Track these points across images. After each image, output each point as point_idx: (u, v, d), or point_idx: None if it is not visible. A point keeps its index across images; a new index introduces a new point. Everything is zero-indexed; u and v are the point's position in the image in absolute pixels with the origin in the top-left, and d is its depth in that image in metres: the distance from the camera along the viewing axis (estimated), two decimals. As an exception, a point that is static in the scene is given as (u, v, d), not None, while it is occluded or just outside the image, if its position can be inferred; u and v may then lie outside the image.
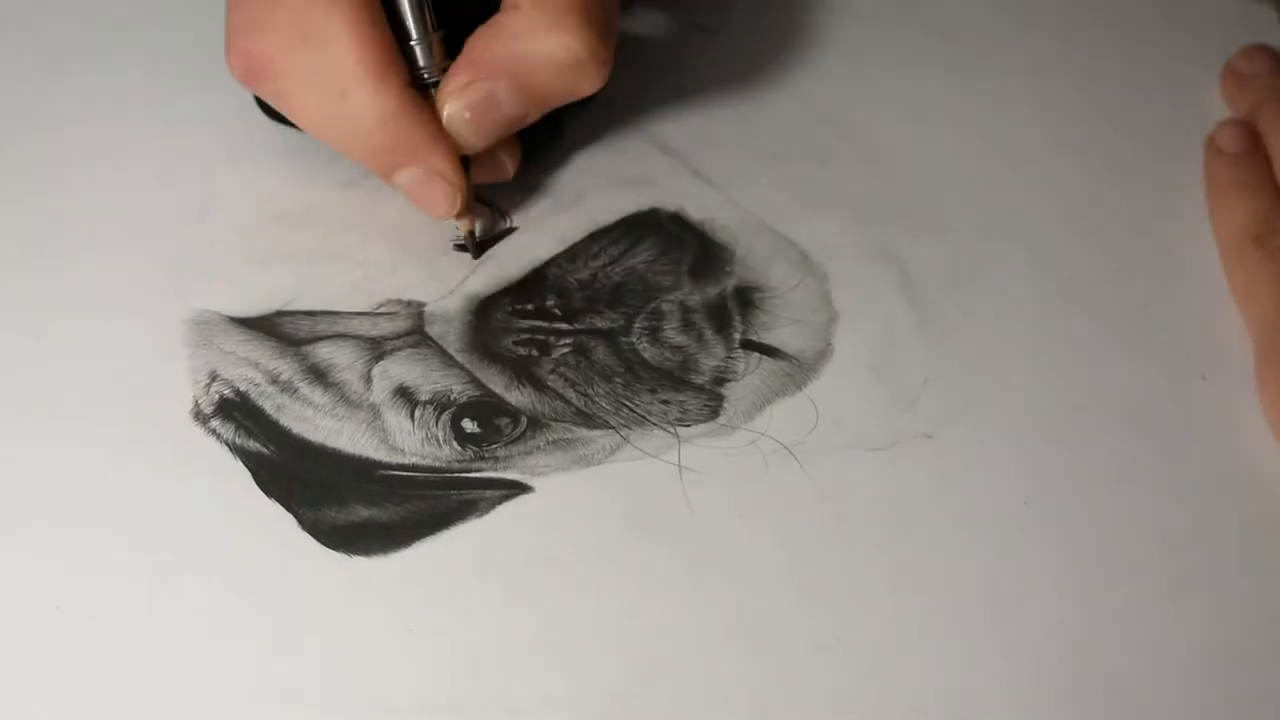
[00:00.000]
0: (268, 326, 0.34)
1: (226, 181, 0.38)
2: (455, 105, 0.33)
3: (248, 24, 0.33)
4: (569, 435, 0.33)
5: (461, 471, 0.32)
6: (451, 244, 0.37)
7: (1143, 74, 0.43)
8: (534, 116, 0.34)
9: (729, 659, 0.29)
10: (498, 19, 0.33)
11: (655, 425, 0.33)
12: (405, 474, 0.32)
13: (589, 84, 0.34)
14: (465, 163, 0.35)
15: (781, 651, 0.29)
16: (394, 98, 0.32)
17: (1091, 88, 0.43)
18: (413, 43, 0.33)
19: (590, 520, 0.31)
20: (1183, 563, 0.31)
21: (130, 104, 0.40)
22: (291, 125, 0.35)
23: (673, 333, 0.35)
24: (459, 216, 0.35)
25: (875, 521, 0.31)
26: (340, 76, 0.32)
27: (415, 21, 0.33)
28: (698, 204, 0.38)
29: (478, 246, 0.36)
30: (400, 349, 0.34)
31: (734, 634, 0.29)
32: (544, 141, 0.38)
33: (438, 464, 0.32)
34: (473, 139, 0.34)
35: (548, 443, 0.33)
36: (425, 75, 0.34)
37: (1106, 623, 0.30)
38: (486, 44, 0.33)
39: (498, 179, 0.37)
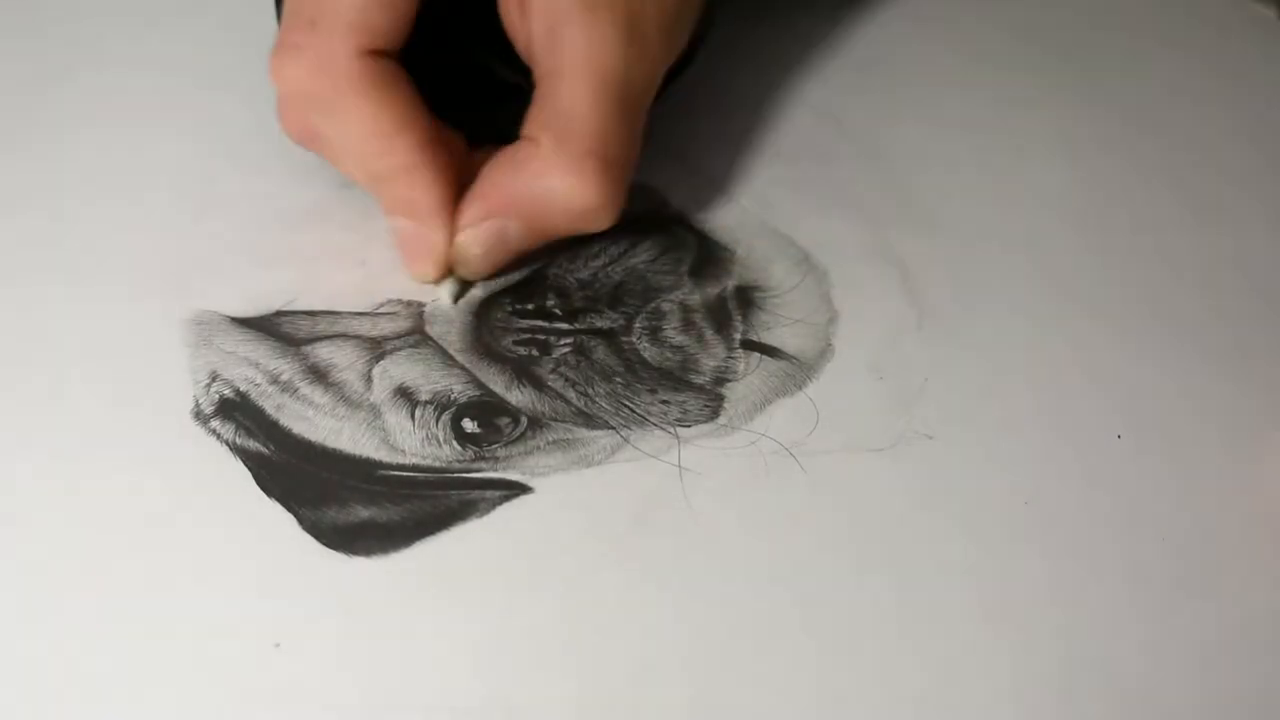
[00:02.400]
0: (268, 326, 0.34)
1: (226, 181, 0.38)
2: (467, 238, 0.34)
3: (289, 101, 0.34)
4: (569, 435, 0.33)
5: (462, 472, 0.32)
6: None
7: (1142, 74, 0.44)
8: (535, 246, 0.35)
9: (729, 659, 0.29)
10: (517, 152, 0.33)
11: (655, 425, 0.33)
12: (405, 474, 0.32)
13: (598, 226, 0.34)
14: None
15: (781, 652, 0.29)
16: (405, 156, 0.33)
17: (1091, 87, 0.43)
18: None
19: (590, 520, 0.31)
20: (1184, 562, 0.31)
21: (130, 104, 0.40)
22: None
23: (673, 332, 0.35)
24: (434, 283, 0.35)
25: (875, 521, 0.31)
26: (352, 140, 0.33)
27: None
28: (698, 204, 0.38)
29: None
30: (400, 349, 0.34)
31: (734, 634, 0.29)
32: None
33: (438, 464, 0.32)
34: (479, 269, 0.35)
35: (548, 443, 0.33)
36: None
37: (1108, 623, 0.30)
38: (503, 178, 0.34)
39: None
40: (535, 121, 0.33)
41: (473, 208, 0.34)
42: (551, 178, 0.33)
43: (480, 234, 0.34)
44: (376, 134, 0.33)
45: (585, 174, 0.33)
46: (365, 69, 0.32)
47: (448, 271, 0.35)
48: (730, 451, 0.33)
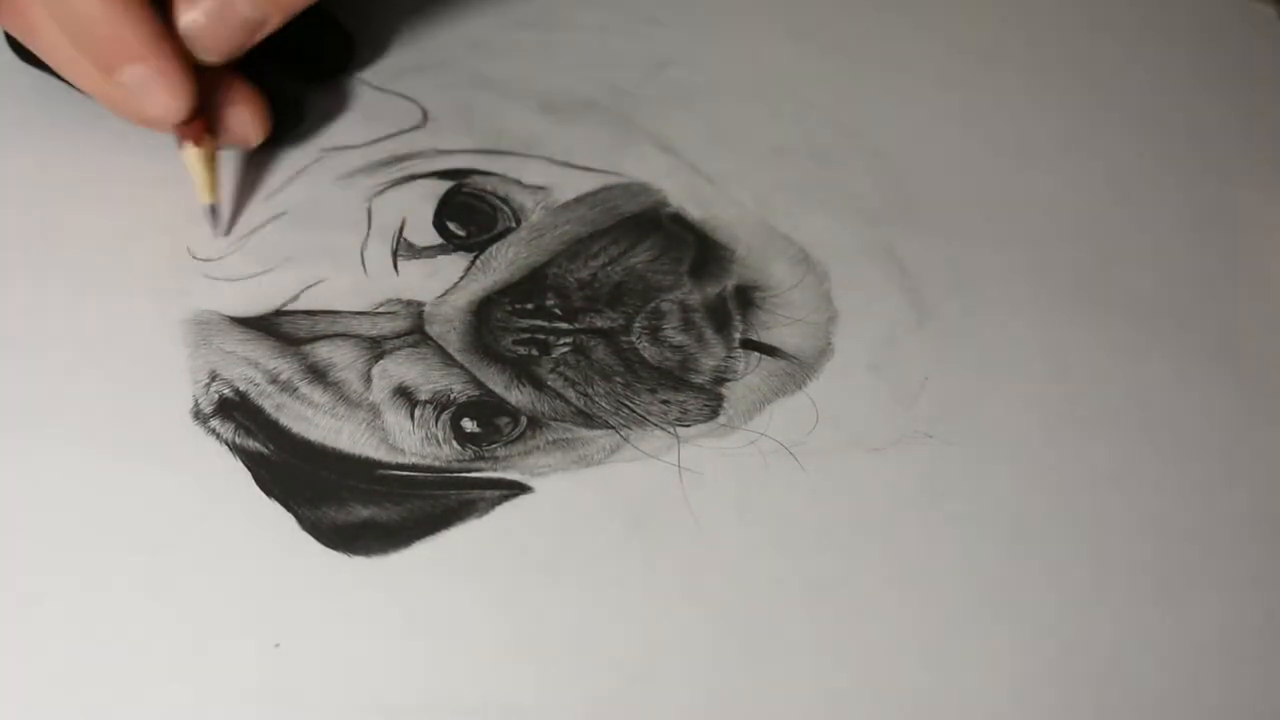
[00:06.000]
0: (268, 326, 0.34)
1: (225, 181, 0.38)
2: (191, 13, 0.33)
3: None
4: (569, 435, 0.33)
5: (461, 471, 0.32)
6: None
7: (1143, 73, 0.43)
8: (274, 23, 0.34)
9: (729, 659, 0.29)
10: None
11: (655, 425, 0.33)
12: (405, 474, 0.32)
13: None
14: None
15: (781, 651, 0.29)
16: None
17: (1091, 87, 0.43)
18: None
19: (590, 520, 0.31)
20: (1182, 562, 0.31)
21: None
22: (42, 66, 0.36)
23: (673, 332, 0.35)
24: (190, 136, 0.35)
25: (875, 521, 0.31)
26: None
27: None
28: (698, 203, 0.38)
29: (476, 245, 0.37)
30: (400, 348, 0.34)
31: (734, 634, 0.29)
32: (285, 124, 0.38)
33: (437, 464, 0.32)
34: (209, 44, 0.34)
35: (547, 443, 0.33)
36: None
37: (1106, 622, 0.30)
38: None
39: (242, 143, 0.37)
40: None
41: None
42: None
43: (205, 2, 0.33)
44: None
45: None
46: None
47: (196, 110, 0.34)
48: (730, 451, 0.33)
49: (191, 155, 0.35)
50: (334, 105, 0.39)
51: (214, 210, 0.36)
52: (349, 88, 0.39)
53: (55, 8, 0.33)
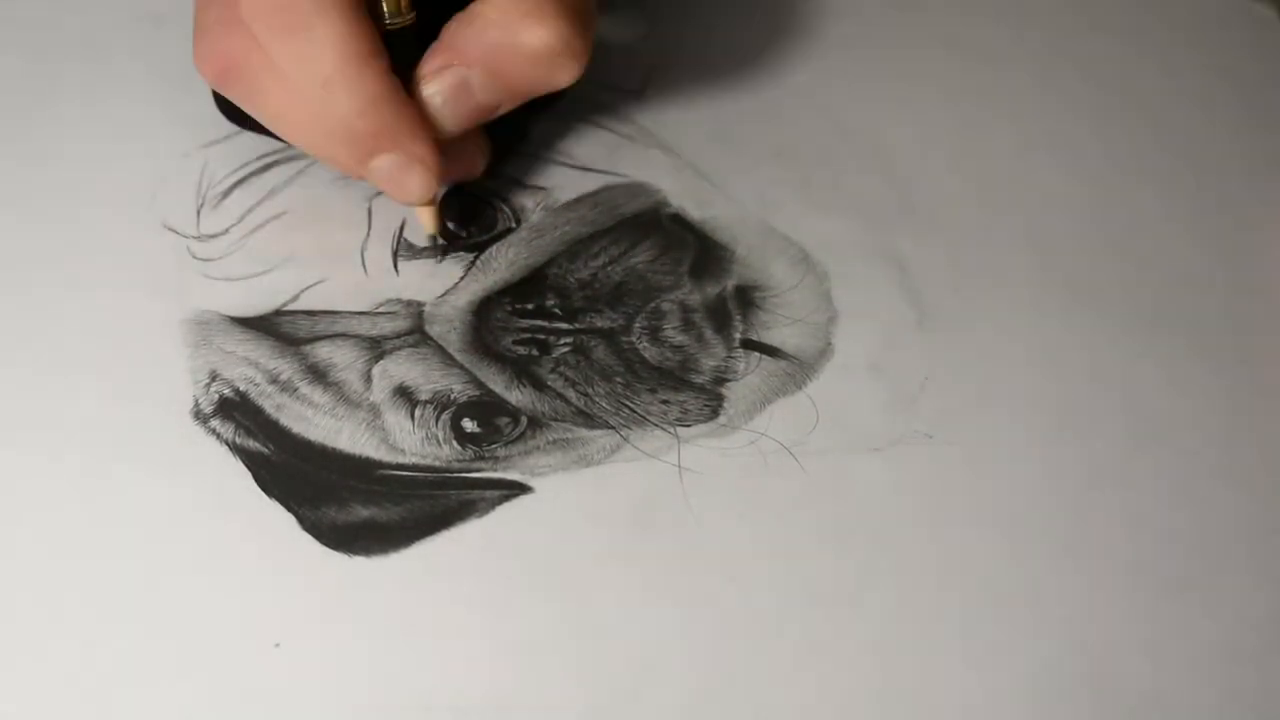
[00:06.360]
0: (268, 326, 0.34)
1: (225, 181, 0.38)
2: (431, 89, 0.33)
3: (220, 22, 0.32)
4: (569, 435, 0.33)
5: (461, 471, 0.32)
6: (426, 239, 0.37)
7: (1143, 73, 0.43)
8: (508, 106, 0.34)
9: (729, 659, 0.29)
10: (474, 7, 0.33)
11: (655, 425, 0.33)
12: (405, 474, 0.32)
13: (564, 76, 0.33)
14: None
15: (781, 651, 0.29)
16: (379, 82, 0.32)
17: (1092, 87, 0.43)
18: (387, 23, 0.33)
19: (590, 520, 0.31)
20: (1182, 562, 0.31)
21: (129, 104, 0.40)
22: (255, 128, 0.35)
23: (673, 332, 0.35)
24: (430, 204, 0.35)
25: (875, 521, 0.31)
26: (325, 64, 0.31)
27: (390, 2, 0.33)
28: (698, 203, 0.38)
29: (476, 246, 0.37)
30: (400, 348, 0.34)
31: (734, 634, 0.29)
32: (506, 142, 0.38)
33: (438, 464, 0.32)
34: (447, 124, 0.33)
35: (548, 443, 0.33)
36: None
37: (1106, 623, 0.30)
38: (461, 31, 0.33)
39: (468, 175, 0.37)
40: None
41: (434, 60, 0.33)
42: (508, 24, 0.32)
43: (442, 82, 0.33)
44: (354, 57, 0.31)
45: (541, 17, 0.32)
46: None
47: (437, 194, 0.35)
48: (730, 451, 0.33)
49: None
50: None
51: (435, 240, 0.36)
52: None
53: (310, 101, 0.32)
